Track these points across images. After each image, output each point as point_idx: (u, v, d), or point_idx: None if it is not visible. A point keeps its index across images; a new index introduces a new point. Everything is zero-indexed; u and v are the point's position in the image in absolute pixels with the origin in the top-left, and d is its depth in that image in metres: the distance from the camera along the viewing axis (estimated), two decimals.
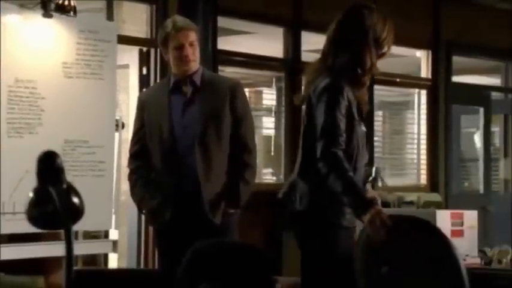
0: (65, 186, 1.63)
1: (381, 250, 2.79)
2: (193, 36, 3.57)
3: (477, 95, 7.84)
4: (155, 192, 3.54)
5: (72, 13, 4.32)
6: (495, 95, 8.13)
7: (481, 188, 7.82)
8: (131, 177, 3.64)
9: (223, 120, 3.53)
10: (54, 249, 4.15)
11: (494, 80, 8.56)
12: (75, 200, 1.64)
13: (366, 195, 2.81)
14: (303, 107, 3.09)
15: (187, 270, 2.25)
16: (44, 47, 4.40)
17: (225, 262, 2.59)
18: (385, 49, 3.07)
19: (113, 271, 3.30)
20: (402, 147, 7.62)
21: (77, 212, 1.64)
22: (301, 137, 3.03)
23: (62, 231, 1.60)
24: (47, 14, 4.29)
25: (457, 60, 7.50)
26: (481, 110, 7.82)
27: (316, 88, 2.95)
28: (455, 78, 7.57)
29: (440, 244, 2.78)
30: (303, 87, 5.71)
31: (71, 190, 1.64)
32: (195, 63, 3.57)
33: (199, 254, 2.35)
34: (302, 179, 2.95)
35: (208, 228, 3.45)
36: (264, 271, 2.43)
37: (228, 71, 6.05)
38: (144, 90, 4.57)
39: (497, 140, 8.34)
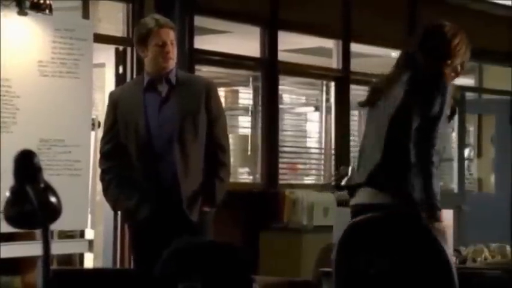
0: (42, 185, 1.62)
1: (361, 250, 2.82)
2: (173, 35, 3.61)
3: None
4: (131, 191, 3.54)
5: (47, 11, 4.29)
6: (469, 95, 8.21)
7: (456, 188, 7.89)
8: (104, 177, 3.62)
9: (199, 119, 3.56)
10: (30, 248, 4.11)
11: (468, 81, 8.64)
12: (53, 199, 1.63)
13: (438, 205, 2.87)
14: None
15: (164, 270, 2.25)
16: (19, 45, 4.36)
17: (202, 261, 2.59)
18: (458, 61, 3.07)
19: (90, 271, 3.29)
20: None
21: (54, 212, 1.63)
22: (385, 133, 2.99)
23: (38, 231, 1.59)
24: (22, 12, 4.25)
25: None
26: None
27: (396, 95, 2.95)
28: None
29: (429, 242, 2.80)
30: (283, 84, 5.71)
31: (49, 189, 1.63)
32: (173, 62, 3.60)
33: (176, 253, 2.35)
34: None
35: (186, 225, 3.46)
36: (241, 270, 2.43)
37: (205, 70, 6.04)
38: (114, 88, 4.51)
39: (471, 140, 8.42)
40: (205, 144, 3.58)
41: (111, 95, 3.83)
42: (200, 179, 3.55)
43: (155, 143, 3.52)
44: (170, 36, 3.58)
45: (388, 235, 2.84)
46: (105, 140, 3.65)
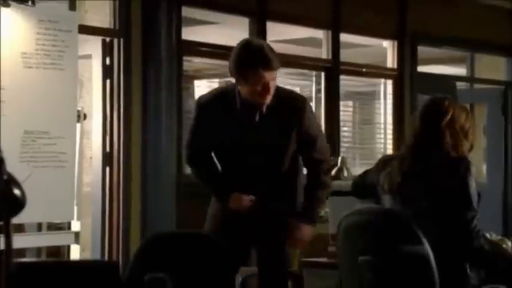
0: (5, 177, 1.61)
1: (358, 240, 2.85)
2: (276, 73, 3.43)
3: (443, 85, 7.89)
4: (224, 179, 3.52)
5: (30, 2, 4.27)
6: (460, 84, 8.20)
7: None
8: (196, 160, 3.59)
9: (291, 138, 3.48)
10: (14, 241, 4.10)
11: (459, 70, 8.63)
12: (16, 191, 1.62)
13: None
14: None
15: (138, 260, 2.24)
16: (2, 37, 4.34)
17: (181, 252, 2.58)
18: (470, 140, 3.05)
19: (54, 263, 3.28)
20: (370, 136, 7.65)
21: (17, 204, 1.62)
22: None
23: (21, 223, 1.58)
24: (4, 3, 4.23)
25: (422, 50, 7.54)
26: None
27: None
28: (421, 68, 7.62)
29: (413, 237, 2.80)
30: None
31: (12, 181, 1.62)
32: (270, 97, 3.44)
33: (152, 243, 2.34)
34: None
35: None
36: (217, 259, 2.43)
37: (194, 62, 6.01)
38: (202, 95, 4.03)
39: None
40: (305, 162, 3.55)
41: (200, 99, 3.64)
42: (290, 200, 3.52)
43: (247, 159, 3.46)
44: (273, 75, 3.40)
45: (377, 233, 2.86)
46: (192, 145, 3.58)
